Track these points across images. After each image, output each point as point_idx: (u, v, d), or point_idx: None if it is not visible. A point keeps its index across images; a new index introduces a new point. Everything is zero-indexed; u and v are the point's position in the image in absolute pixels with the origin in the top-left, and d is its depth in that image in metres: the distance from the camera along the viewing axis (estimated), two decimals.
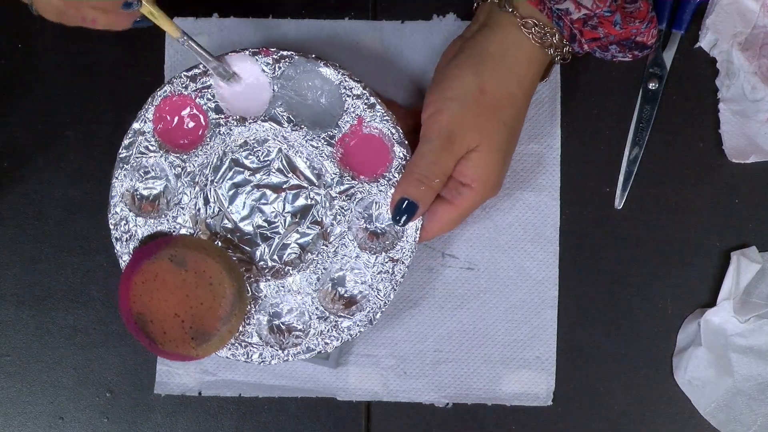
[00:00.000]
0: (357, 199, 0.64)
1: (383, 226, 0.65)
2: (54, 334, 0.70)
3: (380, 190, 0.64)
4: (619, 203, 0.70)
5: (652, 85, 0.70)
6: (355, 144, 0.64)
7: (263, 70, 0.64)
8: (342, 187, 0.64)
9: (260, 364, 0.65)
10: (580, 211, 0.70)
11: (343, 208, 0.64)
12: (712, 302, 0.69)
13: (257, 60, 0.64)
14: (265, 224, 0.66)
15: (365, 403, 0.70)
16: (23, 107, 0.71)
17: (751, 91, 0.69)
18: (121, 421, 0.70)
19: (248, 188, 0.66)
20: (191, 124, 0.65)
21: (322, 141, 0.64)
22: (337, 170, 0.64)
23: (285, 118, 0.64)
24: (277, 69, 0.64)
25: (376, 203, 0.64)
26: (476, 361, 0.69)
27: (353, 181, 0.64)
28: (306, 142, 0.64)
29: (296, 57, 0.64)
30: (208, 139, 0.65)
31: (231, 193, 0.66)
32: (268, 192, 0.66)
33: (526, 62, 0.61)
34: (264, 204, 0.66)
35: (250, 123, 0.64)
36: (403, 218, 0.62)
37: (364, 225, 0.65)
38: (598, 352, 0.69)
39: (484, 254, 0.70)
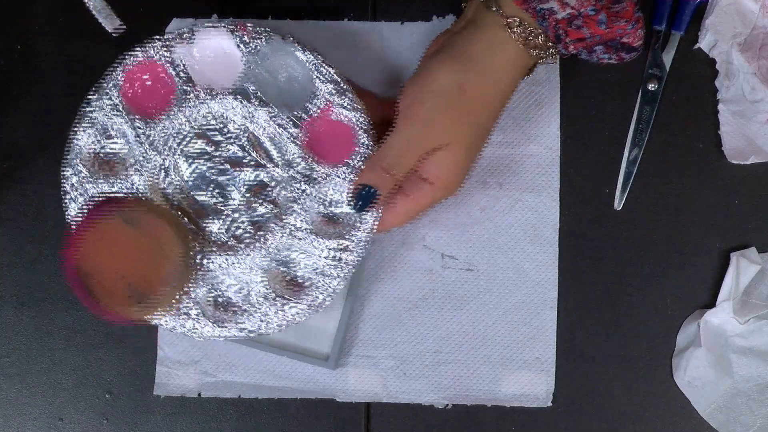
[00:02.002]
0: (316, 184, 0.63)
1: (339, 212, 0.64)
2: (53, 335, 0.70)
3: (341, 177, 0.63)
4: (618, 204, 0.70)
5: (651, 86, 0.70)
6: (321, 128, 0.63)
7: (237, 45, 0.63)
8: (303, 170, 0.63)
9: (200, 338, 0.63)
10: (579, 212, 0.70)
11: (301, 190, 0.63)
12: (711, 303, 0.69)
13: (233, 34, 0.63)
14: (221, 198, 0.65)
15: (365, 404, 0.70)
16: (23, 107, 0.71)
17: (750, 91, 0.69)
18: (121, 423, 0.70)
19: (209, 161, 0.65)
20: (159, 91, 0.64)
21: (289, 122, 0.63)
22: (301, 153, 0.63)
23: (253, 95, 0.63)
24: (252, 46, 0.63)
25: (335, 189, 0.63)
26: (476, 362, 0.69)
27: (315, 165, 0.63)
28: (272, 120, 0.64)
29: (273, 36, 0.63)
30: (174, 108, 0.64)
31: (191, 163, 0.65)
32: (228, 167, 0.65)
33: (506, 65, 0.61)
34: (222, 178, 0.65)
35: (218, 96, 0.64)
36: (361, 204, 0.61)
37: (321, 210, 0.64)
38: (598, 352, 0.69)
39: (484, 255, 0.70)
